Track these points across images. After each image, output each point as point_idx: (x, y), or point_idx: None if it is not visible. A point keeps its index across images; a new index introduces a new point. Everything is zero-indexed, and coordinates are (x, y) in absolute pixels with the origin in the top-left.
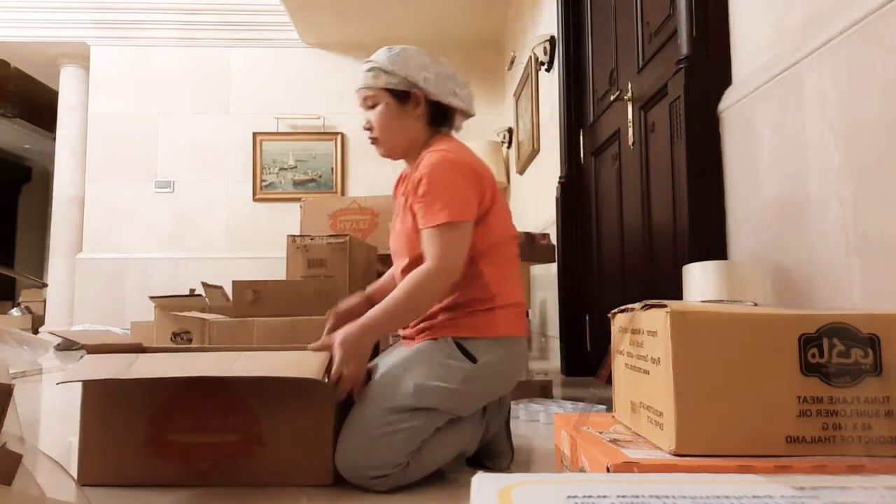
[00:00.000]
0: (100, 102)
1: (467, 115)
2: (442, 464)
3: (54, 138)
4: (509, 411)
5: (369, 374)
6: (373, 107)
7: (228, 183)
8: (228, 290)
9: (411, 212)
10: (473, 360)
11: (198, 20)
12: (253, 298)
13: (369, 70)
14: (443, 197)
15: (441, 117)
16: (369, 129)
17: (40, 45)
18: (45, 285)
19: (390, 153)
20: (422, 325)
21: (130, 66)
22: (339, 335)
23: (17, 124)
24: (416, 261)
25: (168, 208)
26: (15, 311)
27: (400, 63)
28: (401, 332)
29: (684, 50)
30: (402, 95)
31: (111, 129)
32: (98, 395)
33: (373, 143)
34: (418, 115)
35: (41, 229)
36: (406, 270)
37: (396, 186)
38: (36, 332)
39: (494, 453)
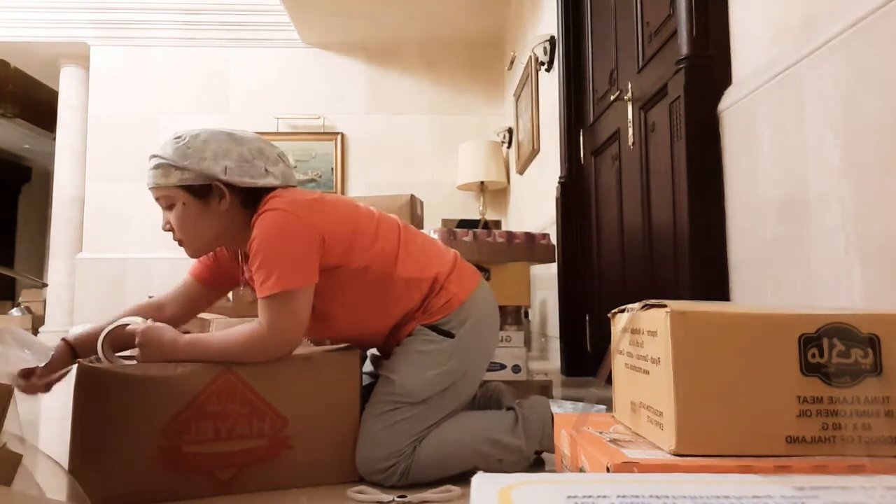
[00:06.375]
0: (100, 102)
1: (287, 188)
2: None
3: (54, 138)
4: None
5: (375, 378)
6: (169, 207)
7: None
8: None
9: None
10: (451, 335)
11: (198, 20)
12: (253, 299)
13: (156, 167)
14: (275, 266)
15: (255, 200)
16: (170, 230)
17: (40, 45)
18: (45, 285)
19: (200, 252)
20: (397, 335)
21: (130, 66)
22: (152, 332)
23: (17, 124)
24: None
25: None
26: (15, 311)
27: (192, 155)
28: (375, 351)
29: (684, 50)
30: (201, 191)
31: (111, 129)
32: (93, 407)
33: (179, 244)
34: (224, 208)
35: (41, 229)
36: None
37: (235, 263)
38: (36, 332)
39: None
